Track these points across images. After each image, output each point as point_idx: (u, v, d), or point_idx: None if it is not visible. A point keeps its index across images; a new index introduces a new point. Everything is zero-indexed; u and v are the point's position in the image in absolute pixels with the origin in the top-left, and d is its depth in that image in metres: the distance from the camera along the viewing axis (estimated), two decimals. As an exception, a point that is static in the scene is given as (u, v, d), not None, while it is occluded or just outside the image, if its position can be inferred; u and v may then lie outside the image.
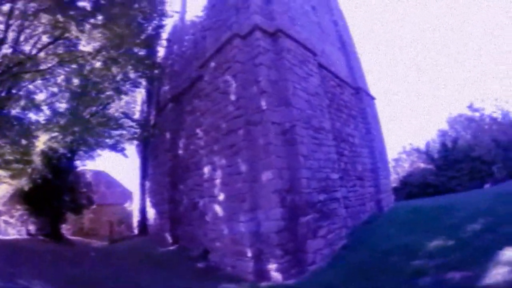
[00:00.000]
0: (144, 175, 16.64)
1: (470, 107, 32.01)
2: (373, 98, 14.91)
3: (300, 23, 9.93)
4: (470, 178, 20.78)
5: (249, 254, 6.71)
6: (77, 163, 16.30)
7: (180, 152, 12.14)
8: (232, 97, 8.05)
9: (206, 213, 8.77)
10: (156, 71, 14.30)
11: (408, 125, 71.57)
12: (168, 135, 13.08)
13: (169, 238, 11.51)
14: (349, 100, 12.42)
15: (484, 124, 29.42)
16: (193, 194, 10.54)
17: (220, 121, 8.43)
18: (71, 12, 9.65)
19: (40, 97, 13.99)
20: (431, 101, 75.54)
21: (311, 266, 6.69)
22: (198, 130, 10.59)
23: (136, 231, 16.56)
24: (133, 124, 16.31)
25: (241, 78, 7.93)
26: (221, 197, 7.88)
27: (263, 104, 7.45)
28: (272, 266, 6.45)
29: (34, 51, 10.87)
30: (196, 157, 10.61)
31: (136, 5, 11.26)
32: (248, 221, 6.87)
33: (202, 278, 7.40)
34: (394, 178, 21.86)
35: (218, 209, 7.98)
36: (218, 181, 8.17)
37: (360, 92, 13.35)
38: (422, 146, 29.35)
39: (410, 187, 21.20)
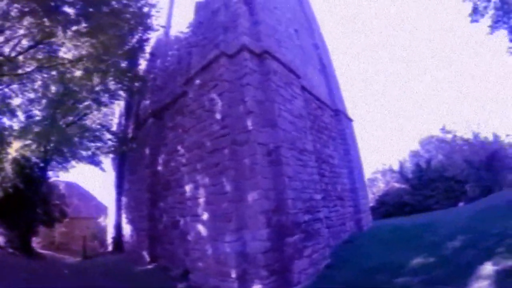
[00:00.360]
0: (120, 190, 16.04)
1: (443, 129, 33.68)
2: (351, 120, 15.42)
3: (285, 45, 10.15)
4: (445, 197, 21.63)
5: (234, 274, 6.56)
6: (50, 173, 15.62)
7: (160, 168, 11.85)
8: (218, 116, 8.01)
9: (188, 232, 8.52)
10: (137, 84, 14.02)
11: (380, 146, 74.08)
12: (147, 151, 12.74)
13: (147, 257, 11.06)
14: (329, 122, 12.74)
15: (456, 145, 30.94)
16: (173, 212, 10.26)
17: (204, 139, 8.33)
18: (57, 17, 9.41)
19: (16, 101, 13.52)
20: (403, 123, 78.80)
21: (297, 286, 6.65)
22: (180, 147, 10.42)
23: (110, 248, 15.81)
24: (111, 137, 15.86)
25: (228, 97, 7.93)
26: (205, 216, 7.70)
27: (249, 124, 7.46)
28: (257, 287, 6.33)
29: (13, 54, 10.44)
30: (177, 174, 10.39)
31: (122, 16, 11.12)
32: (233, 242, 6.75)
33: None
34: (370, 198, 22.36)
35: (201, 228, 7.78)
36: (201, 200, 8.00)
37: (339, 114, 13.77)
38: (395, 166, 30.38)
39: (387, 206, 21.74)
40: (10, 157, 12.85)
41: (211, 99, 8.31)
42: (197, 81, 9.07)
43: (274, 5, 10.42)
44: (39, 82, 13.09)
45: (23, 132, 12.71)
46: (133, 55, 13.76)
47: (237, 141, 7.54)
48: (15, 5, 9.21)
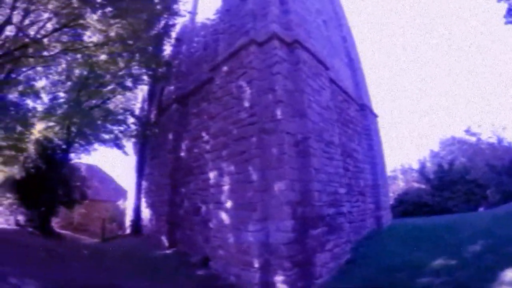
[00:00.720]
0: (140, 174, 16.27)
1: (468, 131, 32.69)
2: (376, 116, 15.11)
3: (314, 36, 9.93)
4: (465, 200, 21.09)
5: (256, 264, 6.55)
6: (72, 155, 15.88)
7: (183, 154, 11.91)
8: (246, 104, 7.93)
9: (209, 220, 8.57)
10: (161, 70, 14.06)
11: (401, 143, 72.55)
12: (170, 136, 12.83)
13: (166, 241, 11.22)
14: (355, 116, 12.51)
15: (479, 148, 30.02)
16: (195, 198, 10.32)
17: (230, 126, 8.29)
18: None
19: (40, 84, 13.71)
20: (425, 122, 76.83)
21: (318, 280, 6.57)
22: (204, 134, 10.41)
23: (128, 231, 16.13)
24: (134, 120, 16.05)
25: (257, 85, 7.83)
26: (229, 204, 7.70)
27: (279, 113, 7.36)
28: (279, 278, 6.30)
29: (38, 36, 10.53)
30: (200, 161, 10.41)
31: (149, 0, 11.11)
32: (257, 231, 6.72)
33: (203, 287, 7.19)
34: (390, 196, 22.02)
35: (224, 216, 7.80)
36: (225, 188, 8.00)
37: (365, 109, 13.52)
38: (415, 165, 29.71)
39: (406, 205, 21.35)
40: (33, 138, 13.11)
41: (239, 86, 8.23)
42: (225, 68, 9.00)
43: (304, -6, 10.19)
44: (64, 65, 13.24)
45: (47, 114, 12.93)
46: (158, 41, 13.77)
47: (265, 129, 7.45)
48: None
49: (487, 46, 74.53)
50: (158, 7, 11.99)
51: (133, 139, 16.28)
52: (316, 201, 7.12)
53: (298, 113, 7.67)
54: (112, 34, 11.07)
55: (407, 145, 72.11)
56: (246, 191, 7.32)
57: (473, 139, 32.77)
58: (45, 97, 14.10)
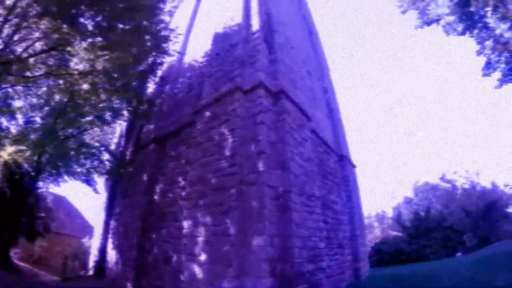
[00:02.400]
0: (110, 213, 15.33)
1: (443, 178, 33.68)
2: (354, 166, 15.23)
3: (298, 86, 10.10)
4: (442, 246, 21.19)
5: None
6: (40, 184, 14.96)
7: (157, 197, 11.31)
8: (227, 152, 7.71)
9: (181, 271, 7.94)
10: (143, 107, 13.77)
11: (373, 189, 73.72)
12: (145, 177, 12.24)
13: (130, 288, 10.28)
14: (334, 167, 12.53)
15: (455, 194, 30.85)
16: (166, 246, 9.63)
17: (209, 175, 7.97)
18: (75, 26, 9.33)
19: (17, 104, 13.14)
20: (398, 168, 79.11)
21: None
22: (181, 179, 9.98)
23: (91, 271, 14.86)
24: (109, 157, 15.41)
25: (239, 133, 7.67)
26: (203, 257, 7.19)
27: (260, 165, 7.14)
28: None
29: (24, 55, 10.14)
30: (175, 207, 9.87)
31: (141, 36, 11.10)
32: (232, 289, 6.21)
33: None
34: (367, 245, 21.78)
35: (197, 269, 7.23)
36: (200, 239, 7.50)
37: (344, 160, 13.61)
38: (389, 212, 29.99)
39: (383, 254, 21.10)
40: (1, 160, 12.30)
41: (221, 133, 8.05)
42: (208, 113, 8.85)
43: (291, 45, 10.48)
44: (44, 89, 12.76)
45: (19, 137, 12.24)
46: (143, 77, 13.63)
47: (245, 181, 7.18)
48: (35, 5, 9.10)
49: (459, 95, 79.77)
50: (149, 43, 11.97)
51: (105, 176, 15.55)
52: (296, 258, 6.76)
53: (280, 166, 7.49)
54: (99, 65, 10.89)
55: (381, 192, 73.35)
56: (222, 244, 6.88)
57: (447, 185, 33.74)
58: (20, 119, 13.55)
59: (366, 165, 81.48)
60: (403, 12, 13.39)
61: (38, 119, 13.57)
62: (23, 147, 12.26)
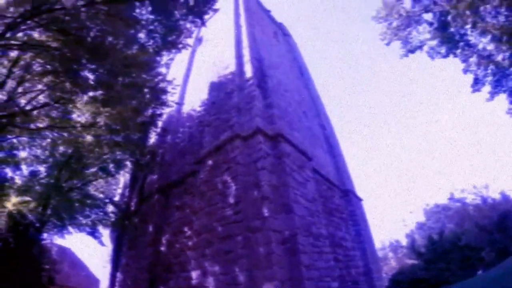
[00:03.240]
0: (116, 265, 15.00)
1: (452, 198, 33.03)
2: (360, 199, 15.06)
3: (295, 127, 10.35)
4: (461, 267, 20.30)
5: None
6: (45, 235, 14.67)
7: (163, 248, 11.16)
8: (231, 200, 7.76)
9: (191, 326, 7.68)
10: (145, 158, 13.99)
11: (383, 219, 72.08)
12: (150, 228, 12.15)
13: None
14: (339, 203, 12.45)
15: (466, 211, 30.11)
16: (175, 299, 9.37)
17: (215, 223, 7.96)
18: (77, 80, 9.70)
19: (22, 154, 13.32)
20: (405, 194, 77.99)
21: None
22: (186, 229, 9.92)
23: (97, 327, 14.25)
24: (113, 208, 15.40)
25: (242, 180, 7.77)
26: (213, 309, 6.99)
27: (265, 210, 7.17)
28: None
29: (28, 107, 10.55)
30: (182, 257, 9.72)
31: (140, 90, 11.54)
32: None
33: None
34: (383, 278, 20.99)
35: (208, 323, 7.01)
36: (210, 290, 7.34)
37: (349, 195, 13.52)
38: (403, 240, 29.16)
39: (402, 285, 20.23)
40: (6, 210, 12.29)
41: (224, 181, 8.15)
42: (209, 162, 9.01)
43: (285, 88, 10.89)
44: (49, 140, 12.99)
45: (24, 188, 12.43)
46: (145, 129, 13.98)
47: (251, 227, 7.16)
48: (39, 59, 9.54)
49: (457, 113, 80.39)
50: (148, 96, 12.40)
51: (110, 228, 15.44)
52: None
53: (284, 209, 7.51)
54: (101, 120, 11.31)
55: (392, 221, 71.65)
56: (232, 293, 6.75)
57: (457, 205, 33.00)
58: (25, 169, 13.66)
59: (374, 195, 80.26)
60: (387, 44, 13.95)
61: (42, 170, 13.75)
62: (28, 198, 12.38)
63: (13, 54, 9.68)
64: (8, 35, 8.71)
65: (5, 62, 9.78)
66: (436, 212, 37.10)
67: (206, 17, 11.68)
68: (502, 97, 12.10)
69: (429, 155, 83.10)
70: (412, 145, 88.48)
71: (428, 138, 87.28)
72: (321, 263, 7.97)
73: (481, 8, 11.03)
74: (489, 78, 12.01)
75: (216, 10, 10.83)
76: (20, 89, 10.55)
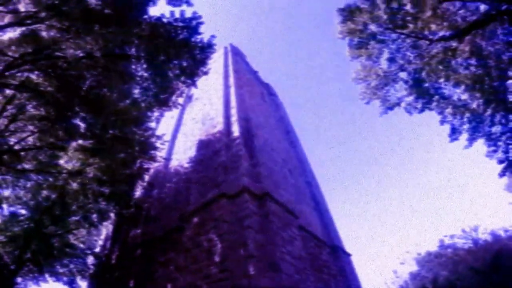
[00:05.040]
0: (93, 322, 14.06)
1: (442, 246, 32.77)
2: (349, 255, 14.88)
3: (282, 186, 10.60)
4: None
5: None
6: (19, 279, 13.71)
7: (145, 306, 10.67)
8: (217, 258, 7.76)
9: None
10: (130, 211, 13.82)
11: (375, 272, 69.97)
12: (131, 283, 11.69)
13: None
14: (328, 259, 12.35)
15: (459, 256, 29.79)
16: None
17: (200, 281, 7.86)
18: (68, 127, 9.86)
19: (4, 193, 13.03)
20: (395, 245, 76.85)
21: None
22: (170, 286, 9.60)
23: None
24: (94, 260, 14.82)
25: (228, 239, 7.85)
26: None
27: (251, 269, 7.19)
28: None
29: (16, 147, 10.57)
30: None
31: (129, 143, 11.71)
32: None
33: None
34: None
35: None
36: None
37: (337, 250, 13.41)
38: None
39: None
40: None
41: (209, 239, 8.18)
42: (195, 219, 9.07)
43: (271, 147, 11.32)
44: (33, 183, 12.79)
45: (2, 227, 12.11)
46: (131, 182, 13.91)
47: (237, 286, 7.13)
48: (33, 101, 9.71)
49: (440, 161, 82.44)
50: (137, 148, 12.55)
51: (89, 280, 14.69)
52: None
53: (271, 267, 7.52)
54: (90, 172, 11.34)
55: (384, 274, 69.50)
56: None
57: (449, 250, 32.67)
58: (6, 209, 13.22)
59: (362, 249, 78.70)
60: (367, 103, 14.74)
61: (23, 212, 13.34)
62: (4, 239, 12.02)
63: (9, 91, 9.91)
64: (6, 73, 9.03)
65: (0, 99, 9.92)
66: (428, 260, 36.41)
67: (197, 78, 12.42)
68: (480, 142, 12.52)
69: (415, 203, 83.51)
70: (397, 196, 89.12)
71: (412, 187, 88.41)
72: (310, 322, 7.81)
73: (453, 62, 11.79)
74: (466, 126, 12.36)
75: (206, 73, 11.51)
76: (11, 127, 10.64)
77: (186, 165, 12.45)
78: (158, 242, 11.52)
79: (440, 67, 11.84)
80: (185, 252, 8.88)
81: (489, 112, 11.58)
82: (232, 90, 13.27)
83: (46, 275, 13.97)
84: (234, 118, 11.12)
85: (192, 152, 11.98)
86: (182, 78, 11.54)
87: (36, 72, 9.72)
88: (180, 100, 12.50)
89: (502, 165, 11.27)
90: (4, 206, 13.25)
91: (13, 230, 12.25)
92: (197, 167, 10.86)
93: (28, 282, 14.45)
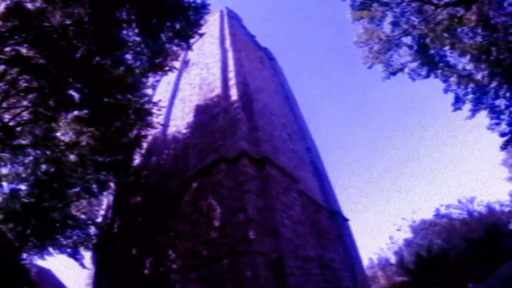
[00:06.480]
0: (98, 288, 14.42)
1: (437, 214, 33.31)
2: (347, 220, 15.10)
3: (281, 150, 10.42)
4: (451, 282, 20.40)
5: None
6: (24, 255, 13.99)
7: (147, 272, 10.82)
8: (216, 223, 7.68)
9: None
10: (129, 179, 13.75)
11: (373, 240, 71.72)
12: (134, 250, 11.84)
13: None
14: (327, 224, 12.46)
15: (453, 226, 30.41)
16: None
17: (200, 247, 7.83)
18: (62, 98, 9.61)
19: (3, 171, 13.07)
20: (394, 212, 78.35)
21: None
22: (171, 252, 9.69)
23: None
24: (96, 230, 14.99)
25: (227, 203, 7.73)
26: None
27: (251, 233, 7.11)
28: None
29: (11, 123, 10.40)
30: (166, 281, 9.44)
31: (125, 110, 11.46)
32: None
33: None
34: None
35: None
36: (195, 316, 7.12)
37: (336, 215, 13.56)
38: (391, 257, 29.12)
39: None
40: None
41: (209, 204, 8.07)
42: (194, 185, 8.94)
43: (270, 112, 11.03)
44: (31, 158, 12.73)
45: (4, 206, 12.19)
46: (129, 150, 13.76)
47: (237, 251, 7.08)
48: (25, 75, 9.41)
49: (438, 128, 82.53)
50: (133, 117, 12.31)
51: (92, 250, 14.96)
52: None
53: (271, 232, 7.47)
54: (84, 140, 11.17)
55: (380, 239, 71.53)
56: (219, 319, 6.58)
57: (444, 220, 33.29)
58: (6, 186, 13.28)
59: (360, 214, 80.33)
60: (369, 67, 14.32)
61: (23, 188, 13.38)
62: (7, 216, 12.06)
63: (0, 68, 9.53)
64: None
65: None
66: (423, 228, 37.22)
67: (192, 40, 11.87)
68: (483, 114, 12.40)
69: (413, 171, 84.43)
70: (397, 162, 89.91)
71: (412, 155, 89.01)
72: (310, 285, 7.90)
73: (458, 30, 11.35)
74: (470, 96, 12.23)
75: (202, 35, 11.05)
76: (4, 104, 10.37)
77: (184, 130, 12.22)
78: (158, 209, 11.52)
79: (446, 34, 11.22)
80: (184, 218, 8.83)
81: (494, 84, 11.28)
82: (230, 54, 12.79)
83: (50, 248, 14.24)
84: (232, 82, 10.76)
85: (190, 118, 11.71)
86: (176, 41, 11.08)
87: (26, 45, 9.26)
88: (176, 64, 12.13)
89: (505, 138, 11.06)
90: (4, 184, 13.26)
91: (14, 207, 12.22)
92: (195, 132, 10.64)
93: (33, 257, 14.76)
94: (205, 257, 7.55)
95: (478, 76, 11.48)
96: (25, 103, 10.55)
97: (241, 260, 6.96)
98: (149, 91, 14.93)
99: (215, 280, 7.05)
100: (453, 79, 12.31)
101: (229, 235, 7.31)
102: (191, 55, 17.65)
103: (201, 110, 10.89)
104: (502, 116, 11.49)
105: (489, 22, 10.57)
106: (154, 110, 13.01)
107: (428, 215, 36.00)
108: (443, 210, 33.64)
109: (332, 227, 12.84)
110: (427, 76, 13.10)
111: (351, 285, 12.04)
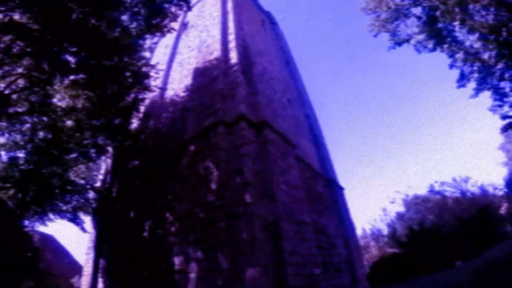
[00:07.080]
0: (98, 251, 14.78)
1: (432, 190, 33.74)
2: (342, 189, 15.30)
3: (280, 115, 10.29)
4: (441, 258, 21.07)
5: None
6: (26, 222, 14.28)
7: (146, 234, 11.03)
8: (213, 186, 7.69)
9: (174, 310, 7.65)
10: (127, 143, 13.68)
11: (367, 210, 73.24)
12: (132, 214, 12.01)
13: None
14: (323, 191, 12.58)
15: (446, 204, 30.93)
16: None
17: (197, 209, 7.89)
18: (57, 63, 9.37)
19: (0, 140, 12.93)
20: (388, 185, 79.57)
21: None
22: (169, 215, 9.80)
23: (83, 314, 14.13)
24: (95, 194, 15.14)
25: (224, 167, 7.70)
26: (196, 294, 6.96)
27: (247, 196, 7.14)
28: None
29: (7, 91, 10.19)
30: (165, 244, 9.63)
31: (122, 73, 11.22)
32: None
33: None
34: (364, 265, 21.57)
35: (190, 307, 6.99)
36: (192, 276, 7.31)
37: (332, 183, 13.68)
38: (385, 229, 29.84)
39: (382, 273, 20.89)
40: None
41: (206, 167, 8.05)
42: (192, 147, 8.88)
43: (270, 76, 10.79)
44: (28, 125, 12.62)
45: (3, 174, 12.20)
46: (126, 114, 13.59)
47: (234, 213, 7.14)
48: (19, 42, 9.11)
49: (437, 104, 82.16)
50: (130, 80, 12.08)
51: (92, 214, 15.20)
52: (291, 287, 6.63)
53: (268, 195, 7.50)
54: (80, 103, 11.01)
55: (373, 210, 73.12)
56: (215, 279, 6.71)
57: (437, 197, 33.81)
58: (4, 155, 13.22)
59: (355, 184, 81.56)
60: (375, 35, 13.92)
61: (22, 156, 13.31)
62: (6, 184, 12.00)
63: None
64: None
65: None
66: (416, 203, 37.85)
67: (193, 2, 11.36)
68: (486, 94, 12.28)
69: (410, 147, 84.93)
70: (394, 136, 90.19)
71: (411, 130, 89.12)
72: (304, 249, 8.05)
73: (470, 6, 10.98)
74: (475, 75, 12.06)
75: (201, -6, 10.53)
76: None
77: (182, 94, 11.99)
78: (157, 172, 11.54)
79: (457, 9, 10.77)
80: (182, 181, 8.84)
81: (500, 66, 11.10)
82: (230, 16, 12.31)
83: (50, 214, 14.36)
84: (232, 44, 10.42)
85: (188, 81, 11.46)
86: (175, 1, 10.64)
87: (19, 11, 8.83)
88: (174, 25, 11.67)
89: (506, 121, 11.05)
90: (2, 153, 13.16)
91: (13, 175, 12.21)
92: (193, 95, 10.45)
93: (35, 223, 14.97)
94: (203, 219, 7.62)
95: (485, 56, 11.27)
96: (20, 70, 10.26)
97: (237, 222, 7.04)
98: (147, 54, 14.49)
99: (212, 242, 7.14)
100: (460, 55, 12.04)
101: (226, 197, 7.34)
102: (190, 17, 17.04)
103: (199, 73, 10.63)
104: (505, 99, 11.41)
105: (503, 1, 10.19)
106: (152, 73, 12.67)
107: (422, 190, 36.53)
108: (437, 187, 34.07)
109: (328, 194, 13.00)
110: (433, 49, 12.79)
111: (344, 252, 12.37)
